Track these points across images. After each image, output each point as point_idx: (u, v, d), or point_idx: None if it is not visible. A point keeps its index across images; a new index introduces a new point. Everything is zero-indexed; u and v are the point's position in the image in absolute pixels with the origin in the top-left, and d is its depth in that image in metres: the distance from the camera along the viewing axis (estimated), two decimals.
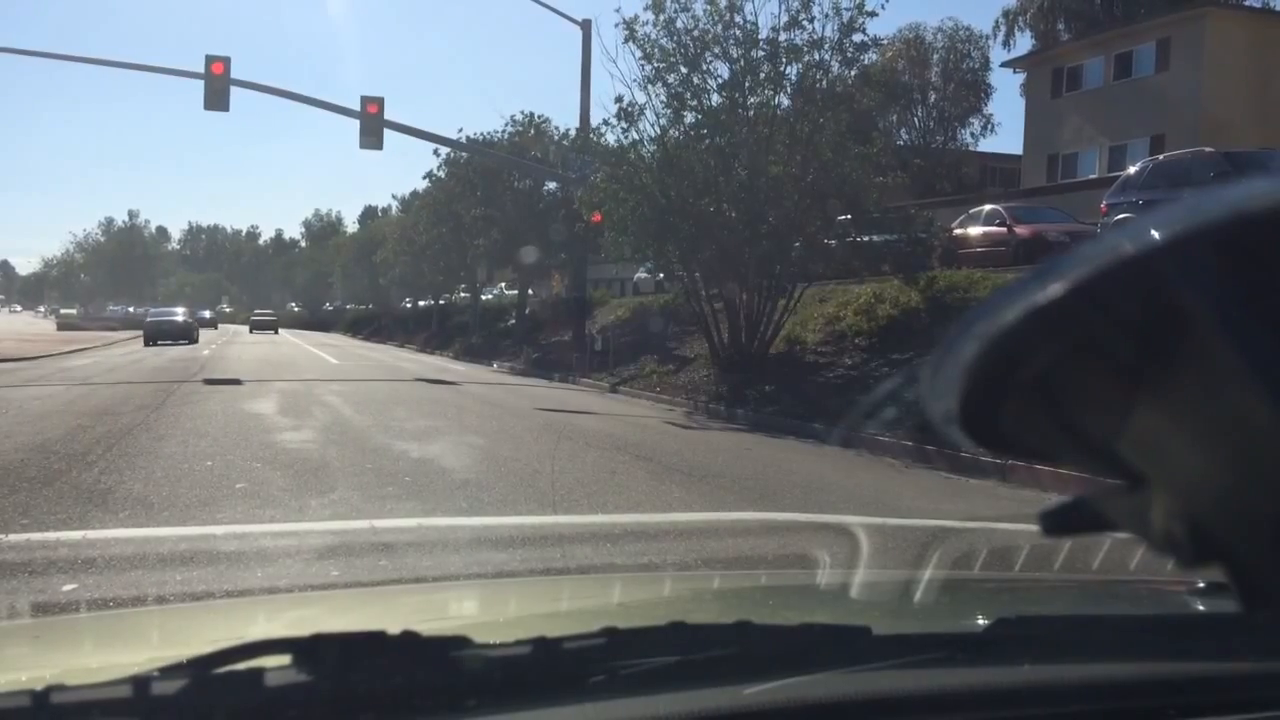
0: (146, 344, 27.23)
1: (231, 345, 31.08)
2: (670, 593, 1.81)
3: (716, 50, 13.27)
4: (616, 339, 18.01)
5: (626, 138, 14.03)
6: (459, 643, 0.82)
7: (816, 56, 13.02)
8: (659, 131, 13.79)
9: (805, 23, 12.78)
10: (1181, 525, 0.42)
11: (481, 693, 0.81)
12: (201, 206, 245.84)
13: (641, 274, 23.79)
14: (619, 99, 13.78)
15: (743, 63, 13.21)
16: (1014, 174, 31.59)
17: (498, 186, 27.28)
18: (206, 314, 38.83)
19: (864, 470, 7.76)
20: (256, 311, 58.45)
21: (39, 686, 0.71)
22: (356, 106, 18.38)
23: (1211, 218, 0.38)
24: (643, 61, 13.48)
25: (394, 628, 0.81)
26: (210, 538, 4.63)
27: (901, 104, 36.38)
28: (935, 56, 38.49)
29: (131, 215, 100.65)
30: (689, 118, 13.74)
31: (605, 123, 14.59)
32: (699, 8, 13.13)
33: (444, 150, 27.43)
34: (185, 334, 31.20)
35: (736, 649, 0.91)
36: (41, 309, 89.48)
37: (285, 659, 0.76)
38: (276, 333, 47.24)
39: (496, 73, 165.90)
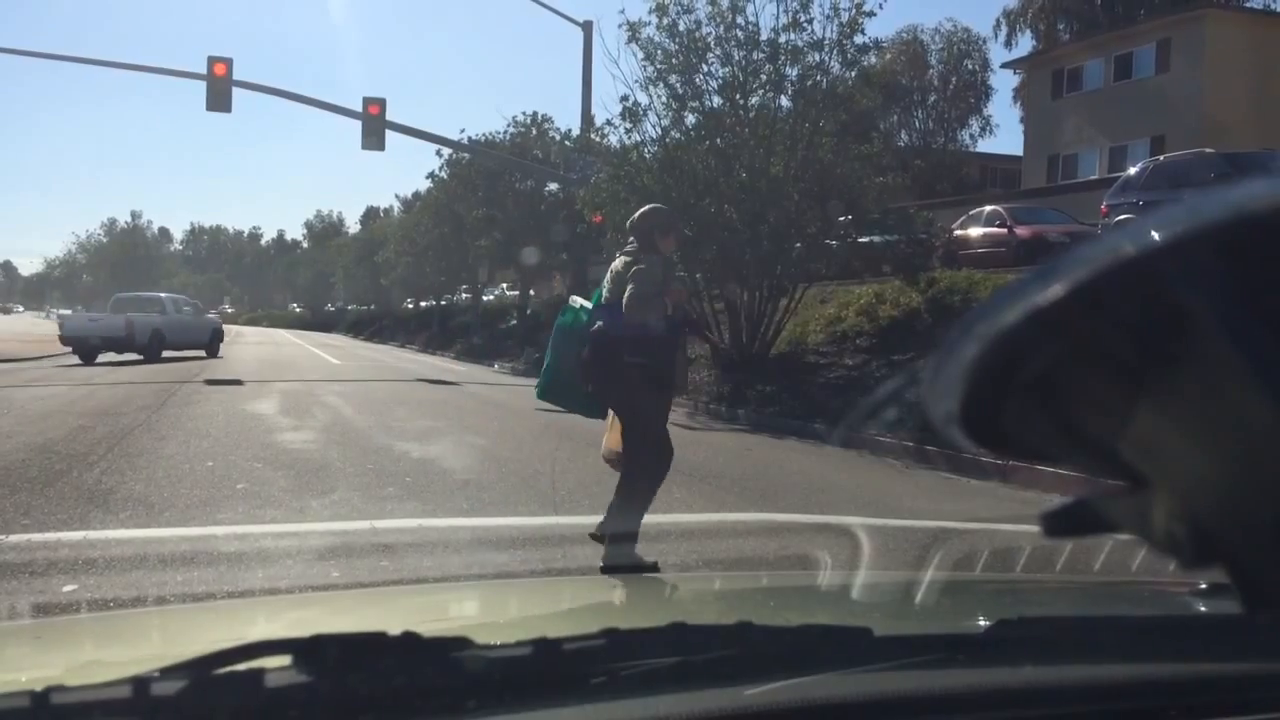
0: None
1: (233, 345, 31.07)
2: (671, 594, 1.81)
3: (718, 52, 13.29)
4: None
5: (630, 138, 14.06)
6: (460, 643, 0.82)
7: (816, 58, 13.04)
8: (660, 132, 13.81)
9: (805, 24, 12.80)
10: (1183, 526, 0.42)
11: (482, 693, 0.81)
12: (203, 207, 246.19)
13: None
14: (624, 98, 13.80)
15: (744, 64, 13.22)
16: (1014, 175, 31.61)
17: (499, 187, 27.29)
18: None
19: (865, 471, 7.75)
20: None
21: (39, 687, 0.71)
22: (358, 107, 18.40)
23: (1212, 218, 0.38)
24: (644, 63, 13.50)
25: (395, 628, 0.81)
26: (211, 538, 4.64)
27: (901, 105, 36.41)
28: (933, 58, 38.53)
29: (134, 216, 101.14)
30: (690, 119, 13.75)
31: (609, 123, 14.63)
32: (701, 10, 13.15)
33: (446, 151, 27.47)
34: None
35: (737, 650, 0.90)
36: (50, 310, 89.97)
37: (286, 660, 0.76)
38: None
39: (498, 73, 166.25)
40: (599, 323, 4.29)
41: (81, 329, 20.45)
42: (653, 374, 4.23)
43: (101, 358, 20.08)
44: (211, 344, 23.63)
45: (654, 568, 4.06)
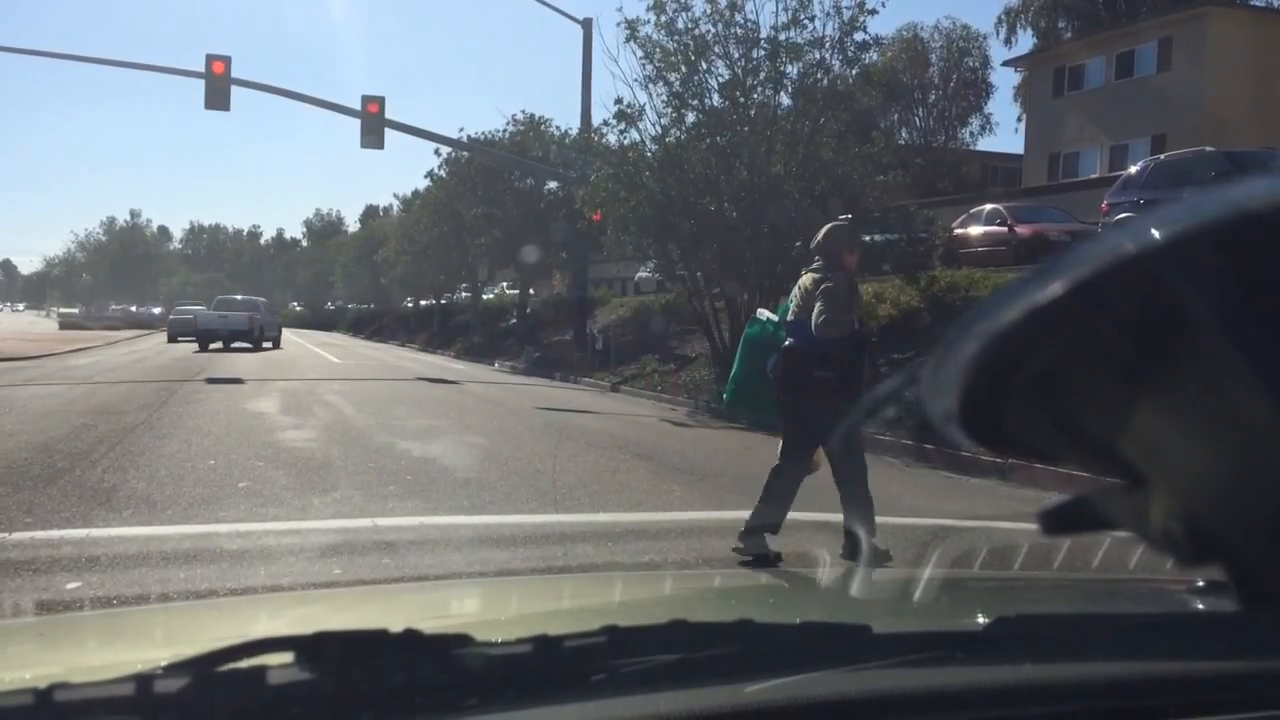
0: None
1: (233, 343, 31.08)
2: (671, 591, 1.81)
3: (717, 50, 13.27)
4: (618, 338, 18.00)
5: (625, 139, 14.05)
6: (461, 641, 0.82)
7: (817, 55, 13.03)
8: (660, 131, 13.79)
9: (806, 21, 12.79)
10: (1181, 524, 0.42)
11: (483, 691, 0.81)
12: (203, 206, 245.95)
13: (643, 273, 23.78)
14: (618, 100, 13.79)
15: (744, 62, 13.21)
16: (1015, 173, 31.56)
17: (499, 185, 27.25)
18: None
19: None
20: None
21: (43, 685, 0.71)
22: (357, 106, 18.36)
23: (1212, 217, 0.38)
24: (644, 61, 13.49)
25: (396, 626, 0.81)
26: (213, 536, 4.64)
27: (902, 103, 36.37)
28: (934, 56, 38.47)
29: (133, 214, 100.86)
30: (690, 117, 13.74)
31: (606, 123, 14.61)
32: (699, 8, 13.14)
33: (445, 149, 27.43)
34: None
35: (737, 647, 0.91)
36: (53, 309, 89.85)
37: (288, 657, 0.76)
38: None
39: (497, 72, 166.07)
40: (790, 339, 4.46)
41: (213, 323, 26.13)
42: (840, 387, 4.38)
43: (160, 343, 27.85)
44: (278, 337, 29.22)
45: (778, 558, 4.33)
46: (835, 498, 6.30)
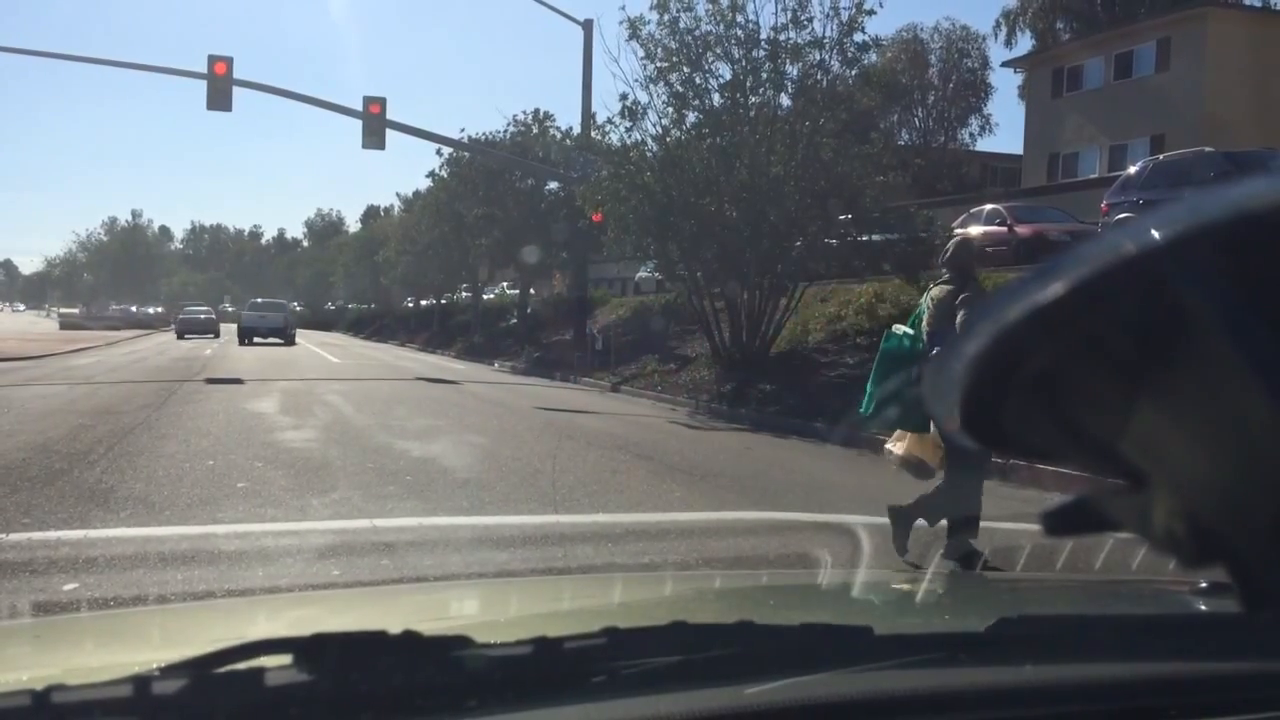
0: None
1: (233, 345, 31.14)
2: (672, 592, 1.81)
3: (718, 50, 13.28)
4: (618, 338, 18.00)
5: (630, 136, 14.06)
6: (460, 642, 0.82)
7: (817, 56, 13.04)
8: (660, 131, 13.80)
9: (805, 21, 12.80)
10: (1183, 525, 0.42)
11: (482, 692, 0.81)
12: (204, 206, 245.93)
13: (643, 273, 23.79)
14: (623, 96, 13.83)
15: (744, 62, 13.22)
16: (1014, 173, 31.57)
17: (500, 186, 27.26)
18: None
19: (866, 470, 7.75)
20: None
21: (40, 686, 0.71)
22: (359, 106, 18.37)
23: (1212, 217, 0.38)
24: (645, 61, 13.51)
25: (395, 627, 0.81)
26: (211, 537, 4.64)
27: (901, 104, 36.40)
28: (933, 57, 38.51)
29: (134, 214, 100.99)
30: (690, 117, 13.75)
31: (610, 120, 14.62)
32: (701, 8, 13.15)
33: (446, 150, 27.45)
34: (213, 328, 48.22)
35: (738, 649, 0.91)
36: (54, 309, 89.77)
37: (286, 659, 0.76)
38: None
39: (498, 72, 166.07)
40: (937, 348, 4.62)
41: (254, 321, 31.91)
42: None
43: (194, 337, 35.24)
44: (295, 334, 33.65)
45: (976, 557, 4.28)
46: (835, 498, 6.31)
